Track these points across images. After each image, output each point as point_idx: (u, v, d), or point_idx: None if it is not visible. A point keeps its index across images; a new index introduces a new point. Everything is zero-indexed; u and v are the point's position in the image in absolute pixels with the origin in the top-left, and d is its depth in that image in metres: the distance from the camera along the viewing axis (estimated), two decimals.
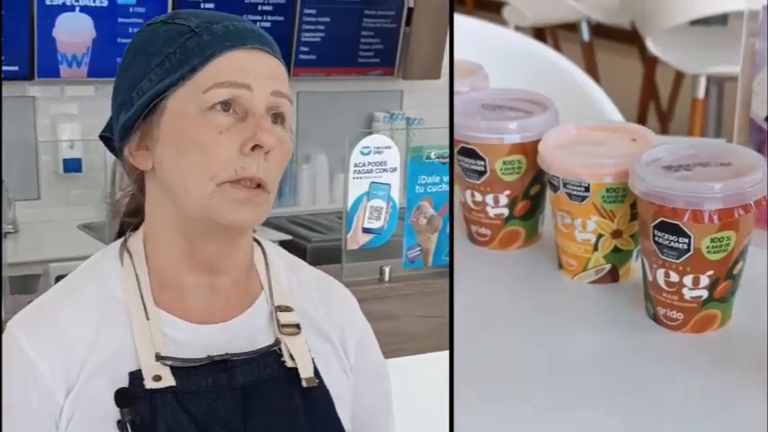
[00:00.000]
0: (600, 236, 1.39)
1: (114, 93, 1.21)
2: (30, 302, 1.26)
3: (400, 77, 4.40)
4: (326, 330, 1.29)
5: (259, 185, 1.14)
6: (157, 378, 1.14)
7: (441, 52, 4.28)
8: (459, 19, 2.50)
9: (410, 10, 4.26)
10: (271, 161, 1.14)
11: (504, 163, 1.47)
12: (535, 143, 1.46)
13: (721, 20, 3.96)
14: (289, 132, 1.19)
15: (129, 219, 1.26)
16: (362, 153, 1.95)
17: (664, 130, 4.54)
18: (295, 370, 1.21)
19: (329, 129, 4.14)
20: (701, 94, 3.61)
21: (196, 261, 1.19)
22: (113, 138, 1.22)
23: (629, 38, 4.34)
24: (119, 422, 1.13)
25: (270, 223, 1.16)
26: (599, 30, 4.25)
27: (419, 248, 2.02)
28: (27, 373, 1.15)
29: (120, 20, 3.81)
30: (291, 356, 1.21)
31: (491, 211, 1.51)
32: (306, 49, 4.17)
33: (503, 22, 4.19)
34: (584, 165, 1.37)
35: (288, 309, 1.25)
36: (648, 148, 1.35)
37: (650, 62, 4.25)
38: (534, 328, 1.37)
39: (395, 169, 1.99)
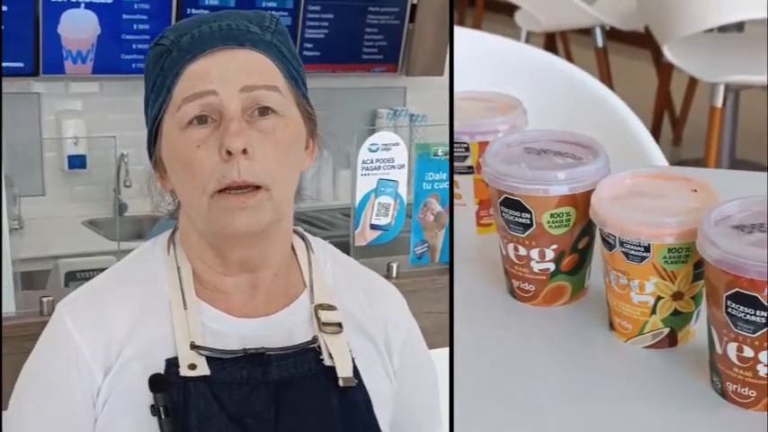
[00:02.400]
0: (659, 298, 1.29)
1: None
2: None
3: (404, 74, 4.37)
4: (370, 330, 1.27)
5: (257, 186, 1.13)
6: (192, 366, 1.16)
7: (444, 49, 4.26)
8: (482, 36, 2.45)
9: (413, 6, 4.23)
10: (258, 158, 1.13)
11: (552, 216, 1.37)
12: (585, 194, 1.36)
13: (738, 27, 3.91)
14: (289, 119, 1.18)
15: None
16: (370, 150, 1.93)
17: (677, 136, 4.50)
18: (333, 369, 1.20)
19: (333, 125, 4.11)
20: (719, 102, 3.55)
21: (230, 265, 1.21)
22: None
23: (643, 42, 4.29)
24: (152, 406, 1.15)
25: None
26: (612, 32, 4.19)
27: (426, 245, 1.99)
28: (70, 354, 1.18)
29: (124, 16, 3.78)
30: (330, 355, 1.21)
31: (536, 266, 1.40)
32: (310, 45, 4.16)
33: (515, 27, 4.14)
34: (644, 223, 1.26)
35: (330, 307, 1.24)
36: (716, 205, 1.24)
37: (665, 68, 4.19)
38: (586, 396, 1.25)
39: (402, 166, 1.97)
